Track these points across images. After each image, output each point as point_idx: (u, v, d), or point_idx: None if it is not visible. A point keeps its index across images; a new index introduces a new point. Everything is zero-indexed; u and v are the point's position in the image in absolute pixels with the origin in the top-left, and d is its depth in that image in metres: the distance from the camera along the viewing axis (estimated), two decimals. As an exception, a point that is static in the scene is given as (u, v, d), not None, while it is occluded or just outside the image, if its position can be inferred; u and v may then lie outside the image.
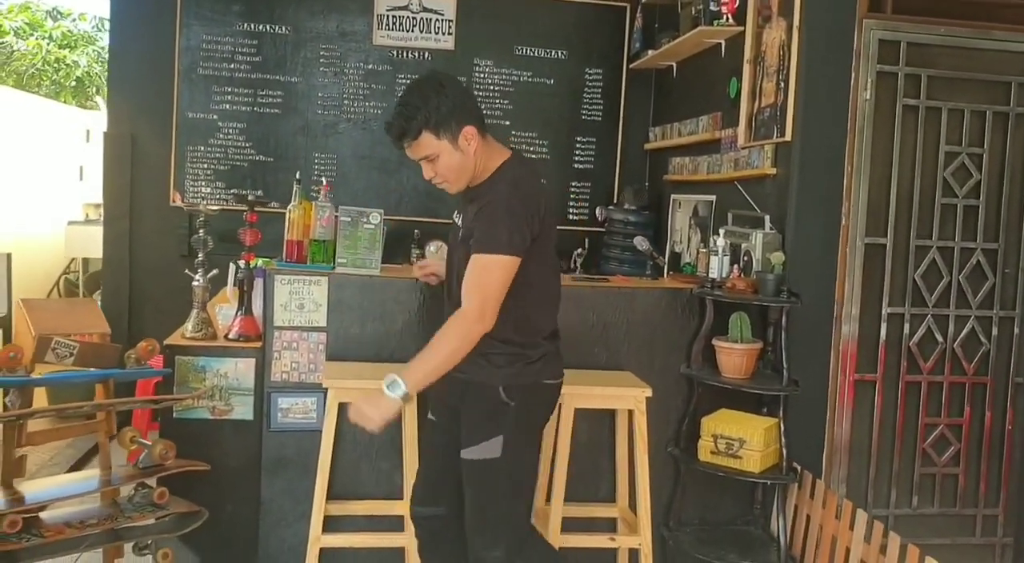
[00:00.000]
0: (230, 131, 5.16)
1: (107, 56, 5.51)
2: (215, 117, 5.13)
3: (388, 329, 3.32)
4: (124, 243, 5.12)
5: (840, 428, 3.54)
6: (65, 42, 10.06)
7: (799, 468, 3.36)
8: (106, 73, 11.41)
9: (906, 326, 3.57)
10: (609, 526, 3.44)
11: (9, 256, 4.40)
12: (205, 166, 5.14)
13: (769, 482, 3.38)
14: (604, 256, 5.14)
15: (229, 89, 5.12)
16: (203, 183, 5.14)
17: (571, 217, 5.41)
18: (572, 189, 5.43)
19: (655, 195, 5.16)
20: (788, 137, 3.46)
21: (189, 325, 3.28)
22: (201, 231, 3.25)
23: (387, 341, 3.32)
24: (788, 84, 3.46)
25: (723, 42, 4.19)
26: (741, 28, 3.95)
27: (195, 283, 3.28)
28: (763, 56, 3.74)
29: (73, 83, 9.84)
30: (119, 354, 2.89)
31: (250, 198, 3.27)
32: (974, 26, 3.49)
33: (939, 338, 3.60)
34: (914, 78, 3.48)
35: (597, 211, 5.36)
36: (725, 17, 4.00)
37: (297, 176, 3.37)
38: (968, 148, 3.56)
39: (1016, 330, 3.66)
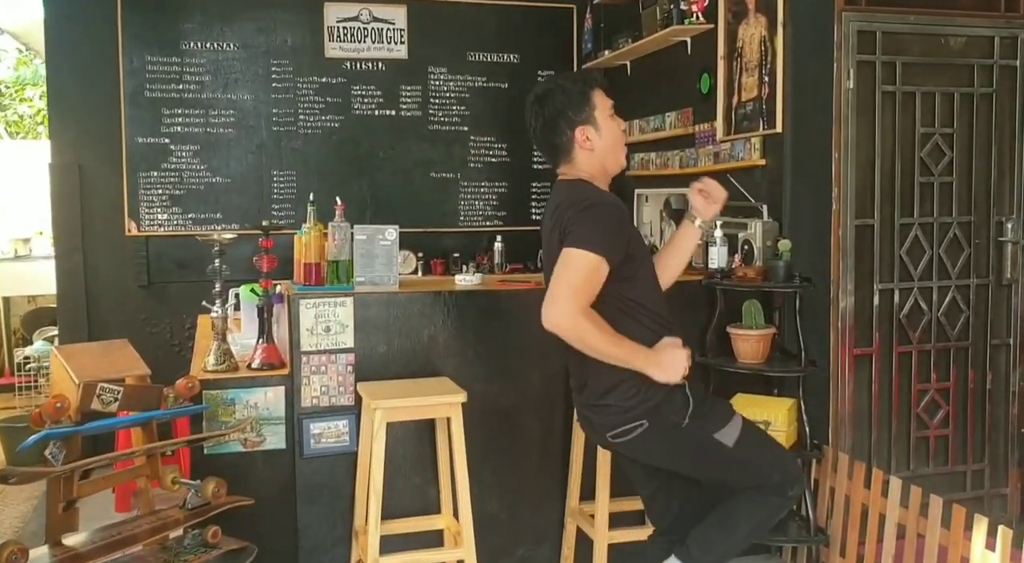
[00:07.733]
0: (183, 154, 5.00)
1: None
2: (166, 140, 4.97)
3: (415, 344, 3.31)
4: (79, 277, 4.90)
5: (843, 401, 3.70)
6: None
7: (819, 443, 3.51)
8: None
9: (895, 300, 3.77)
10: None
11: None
12: (160, 191, 4.97)
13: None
14: (571, 254, 5.20)
15: (179, 110, 4.96)
16: (159, 210, 4.97)
17: (534, 217, 5.46)
18: (533, 189, 5.49)
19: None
20: (779, 129, 3.60)
21: (211, 358, 3.18)
22: (217, 261, 3.15)
23: (415, 356, 3.32)
24: (775, 78, 3.60)
25: (689, 39, 4.32)
26: (712, 25, 4.08)
27: (213, 314, 3.18)
28: (740, 52, 3.87)
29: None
30: (160, 394, 2.79)
31: (264, 224, 3.19)
32: (939, 14, 3.70)
33: (925, 309, 3.82)
34: (890, 66, 3.67)
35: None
36: (695, 15, 4.12)
37: (311, 198, 3.29)
38: (940, 128, 3.77)
39: (990, 296, 3.92)
